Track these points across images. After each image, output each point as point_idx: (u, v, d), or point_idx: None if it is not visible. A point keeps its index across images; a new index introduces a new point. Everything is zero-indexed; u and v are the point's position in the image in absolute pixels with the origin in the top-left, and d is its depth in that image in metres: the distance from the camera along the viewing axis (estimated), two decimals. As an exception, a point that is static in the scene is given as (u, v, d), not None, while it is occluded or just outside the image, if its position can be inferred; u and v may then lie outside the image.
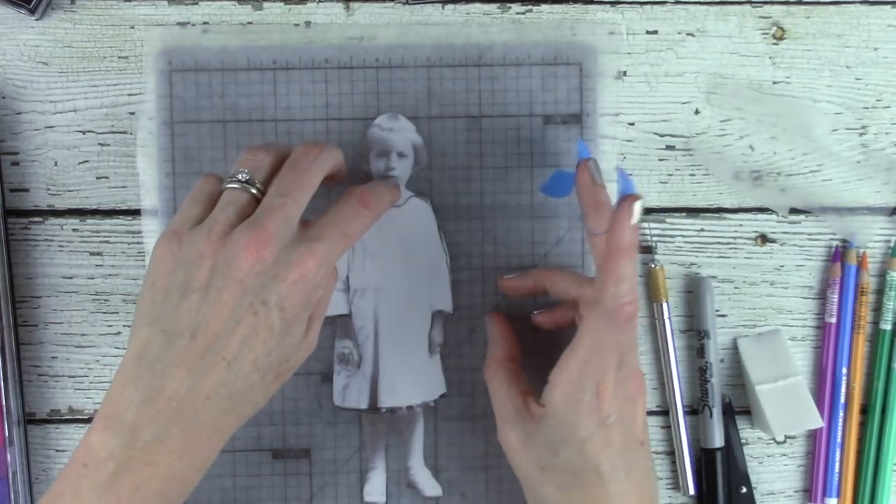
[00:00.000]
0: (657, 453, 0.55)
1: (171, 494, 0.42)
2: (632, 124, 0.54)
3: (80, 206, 0.53)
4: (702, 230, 0.54)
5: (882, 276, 0.55)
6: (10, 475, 0.51)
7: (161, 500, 0.42)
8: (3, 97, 0.52)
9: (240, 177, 0.45)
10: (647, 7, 0.54)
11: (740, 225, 0.55)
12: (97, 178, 0.53)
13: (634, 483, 0.46)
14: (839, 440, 0.55)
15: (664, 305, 0.54)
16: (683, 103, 0.54)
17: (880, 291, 0.55)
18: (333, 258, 0.44)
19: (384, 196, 0.47)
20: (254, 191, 0.45)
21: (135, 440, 0.41)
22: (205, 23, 0.53)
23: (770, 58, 0.54)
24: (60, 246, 0.53)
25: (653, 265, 0.54)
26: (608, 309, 0.44)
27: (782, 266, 0.55)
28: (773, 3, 0.54)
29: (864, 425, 0.55)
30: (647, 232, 0.54)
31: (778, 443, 0.56)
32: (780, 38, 0.54)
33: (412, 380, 0.53)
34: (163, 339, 0.42)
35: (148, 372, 0.41)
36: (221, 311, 0.42)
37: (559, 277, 0.50)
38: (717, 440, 0.54)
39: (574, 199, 0.50)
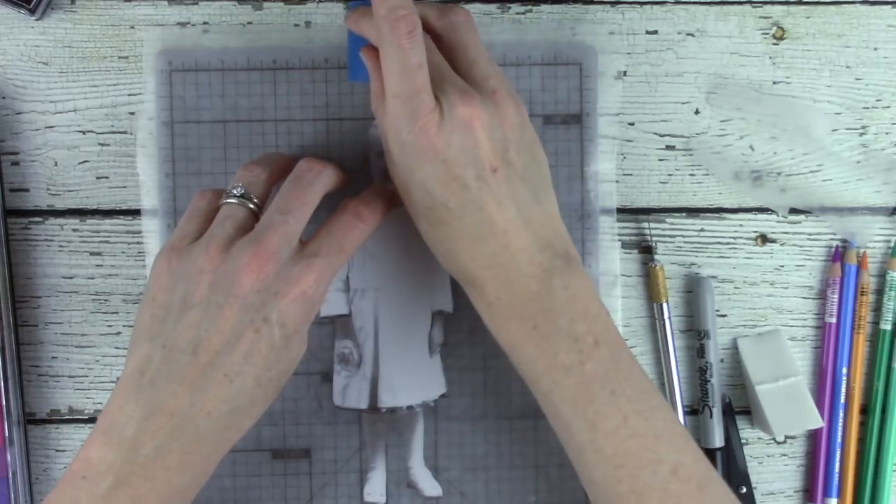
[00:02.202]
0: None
1: None
2: (632, 124, 0.54)
3: (80, 206, 0.53)
4: (702, 230, 0.54)
5: (882, 276, 0.55)
6: (10, 475, 0.51)
7: None
8: (3, 97, 0.52)
9: (236, 192, 0.45)
10: (647, 7, 0.54)
11: (740, 225, 0.55)
12: (97, 178, 0.53)
13: (497, 211, 0.43)
14: (839, 440, 0.55)
15: (664, 305, 0.54)
16: (683, 103, 0.54)
17: (880, 291, 0.55)
18: (332, 273, 0.45)
19: (379, 207, 0.47)
20: (251, 206, 0.45)
21: (135, 455, 0.41)
22: (205, 23, 0.53)
23: (770, 58, 0.54)
24: (60, 246, 0.53)
25: (653, 265, 0.54)
26: (383, 23, 0.42)
27: (782, 266, 0.55)
28: (773, 3, 0.54)
29: (864, 425, 0.55)
30: (647, 232, 0.54)
31: (778, 443, 0.56)
32: (780, 38, 0.54)
33: (412, 380, 0.53)
34: (164, 354, 0.42)
35: (149, 387, 0.41)
36: (222, 328, 0.42)
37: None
38: (717, 440, 0.54)
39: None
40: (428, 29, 0.46)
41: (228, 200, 0.45)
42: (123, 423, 0.41)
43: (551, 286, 0.44)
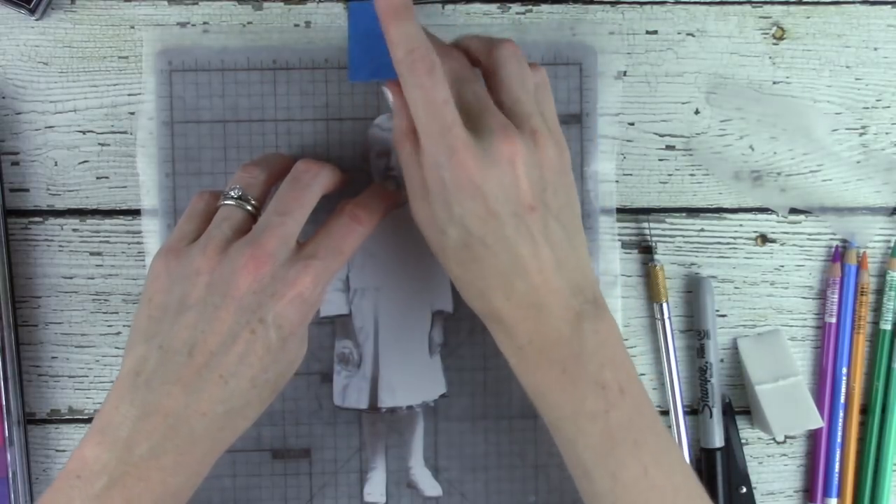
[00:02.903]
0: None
1: None
2: (632, 124, 0.54)
3: (80, 206, 0.53)
4: (702, 230, 0.55)
5: (882, 276, 0.55)
6: (10, 475, 0.51)
7: None
8: (3, 97, 0.52)
9: (234, 193, 0.45)
10: (647, 7, 0.54)
11: (740, 225, 0.55)
12: (97, 178, 0.53)
13: (532, 250, 0.43)
14: (839, 440, 0.55)
15: (664, 305, 0.54)
16: (683, 103, 0.54)
17: (880, 291, 0.55)
18: (329, 275, 0.44)
19: (377, 210, 0.47)
20: (249, 207, 0.45)
21: (129, 455, 0.41)
22: (205, 23, 0.53)
23: (770, 58, 0.54)
24: (60, 246, 0.53)
25: (653, 265, 0.54)
26: (402, 67, 0.42)
27: (782, 266, 0.55)
28: (773, 3, 0.54)
29: (864, 425, 0.55)
30: (647, 232, 0.54)
31: (778, 443, 0.56)
32: (780, 38, 0.54)
33: (412, 380, 0.53)
34: (159, 355, 0.42)
35: (144, 388, 0.42)
36: (218, 329, 0.42)
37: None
38: (717, 440, 0.54)
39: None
40: (475, 63, 0.46)
41: (226, 202, 0.45)
42: (118, 423, 0.41)
43: (582, 330, 0.43)
